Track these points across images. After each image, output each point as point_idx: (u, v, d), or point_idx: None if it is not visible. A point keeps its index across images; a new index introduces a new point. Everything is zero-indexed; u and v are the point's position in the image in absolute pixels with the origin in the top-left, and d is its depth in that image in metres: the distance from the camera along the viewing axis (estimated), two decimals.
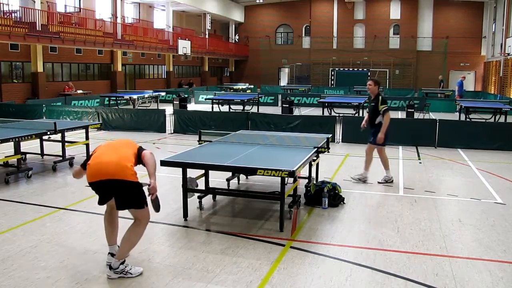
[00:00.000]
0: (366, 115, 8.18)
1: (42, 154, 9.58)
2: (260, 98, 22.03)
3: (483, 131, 11.81)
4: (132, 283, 4.13)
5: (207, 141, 7.21)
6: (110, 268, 4.21)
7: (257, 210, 6.34)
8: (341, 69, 39.70)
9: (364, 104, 17.83)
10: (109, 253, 4.38)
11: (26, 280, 4.15)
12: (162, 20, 33.30)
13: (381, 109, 7.57)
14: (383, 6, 39.54)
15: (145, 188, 4.23)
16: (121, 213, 4.42)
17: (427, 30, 39.13)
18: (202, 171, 6.44)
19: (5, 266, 4.42)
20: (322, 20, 40.85)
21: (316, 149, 6.61)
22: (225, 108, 20.11)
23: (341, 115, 14.30)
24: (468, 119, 15.79)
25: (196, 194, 6.27)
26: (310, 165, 6.86)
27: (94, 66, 26.60)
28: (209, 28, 37.29)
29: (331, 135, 8.02)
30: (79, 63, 25.32)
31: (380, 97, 7.69)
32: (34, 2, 20.57)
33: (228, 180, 7.22)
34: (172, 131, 13.94)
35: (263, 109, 19.96)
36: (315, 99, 22.79)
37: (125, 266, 4.22)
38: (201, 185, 6.34)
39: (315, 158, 6.80)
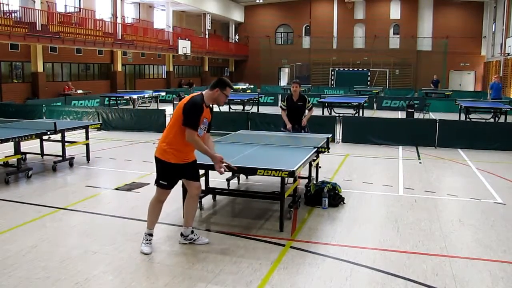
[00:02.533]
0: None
1: (42, 154, 9.58)
2: (260, 98, 22.04)
3: (483, 131, 11.81)
4: (132, 283, 4.13)
5: None
6: (181, 235, 5.02)
7: (257, 210, 6.34)
8: (341, 69, 39.72)
9: (365, 104, 17.85)
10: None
11: (26, 280, 4.15)
12: (162, 20, 33.30)
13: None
14: (383, 6, 39.55)
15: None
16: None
17: (427, 30, 39.14)
18: (202, 171, 6.44)
19: (5, 266, 4.42)
20: (322, 20, 40.87)
21: (316, 149, 6.61)
22: (225, 108, 20.11)
23: (341, 115, 14.29)
24: (468, 119, 15.80)
25: None
26: (310, 165, 6.86)
27: (94, 66, 26.61)
28: (209, 28, 37.30)
29: (331, 135, 8.03)
30: (79, 63, 25.33)
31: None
32: (34, 2, 20.58)
33: (228, 180, 7.22)
34: None
35: (263, 109, 19.96)
36: (315, 99, 22.80)
37: (194, 235, 4.99)
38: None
39: (315, 158, 6.80)
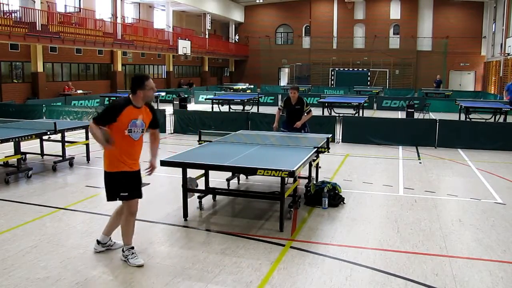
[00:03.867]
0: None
1: (42, 154, 9.58)
2: (260, 98, 22.04)
3: (483, 131, 11.80)
4: (132, 283, 4.13)
5: (207, 141, 7.21)
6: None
7: (257, 210, 6.34)
8: (341, 69, 39.70)
9: (364, 104, 17.83)
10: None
11: (26, 280, 4.15)
12: (162, 20, 33.29)
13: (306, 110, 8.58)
14: (383, 6, 39.53)
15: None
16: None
17: (427, 30, 39.12)
18: (202, 171, 6.44)
19: (5, 266, 4.42)
20: (322, 20, 40.84)
21: (316, 149, 6.61)
22: (225, 108, 20.11)
23: (341, 115, 14.29)
24: (468, 119, 15.80)
25: (196, 194, 6.27)
26: (310, 165, 6.86)
27: (94, 66, 26.60)
28: (209, 28, 37.29)
29: (331, 135, 8.04)
30: (79, 63, 25.32)
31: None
32: (34, 2, 20.58)
33: (228, 180, 7.22)
34: (172, 131, 13.94)
35: (263, 109, 19.95)
36: (315, 99, 22.81)
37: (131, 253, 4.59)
38: (201, 185, 6.34)
39: (315, 158, 6.80)
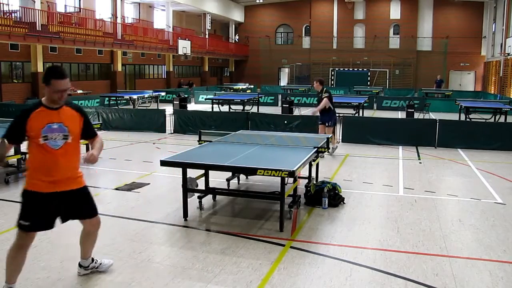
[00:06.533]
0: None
1: None
2: (260, 98, 22.03)
3: (483, 131, 11.80)
4: (132, 283, 4.13)
5: (207, 141, 7.21)
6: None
7: (257, 210, 6.34)
8: (341, 69, 39.70)
9: (365, 104, 17.83)
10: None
11: (26, 280, 4.14)
12: (162, 20, 33.30)
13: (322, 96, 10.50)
14: (383, 6, 39.54)
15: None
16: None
17: (427, 30, 39.13)
18: (202, 171, 6.44)
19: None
20: (322, 20, 40.85)
21: (316, 149, 6.61)
22: (225, 108, 20.11)
23: (341, 115, 14.29)
24: (468, 119, 15.80)
25: (196, 194, 6.26)
26: (310, 165, 6.86)
27: (94, 66, 26.61)
28: (209, 28, 37.30)
29: (331, 135, 8.03)
30: (79, 63, 25.33)
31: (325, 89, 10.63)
32: (34, 2, 20.58)
33: (228, 180, 7.21)
34: (172, 131, 13.94)
35: (263, 109, 19.96)
36: (315, 99, 22.77)
37: (95, 263, 4.23)
38: (201, 185, 6.34)
39: (315, 158, 6.80)
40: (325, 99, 10.35)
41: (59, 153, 3.59)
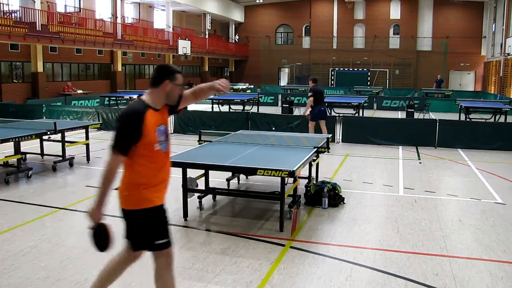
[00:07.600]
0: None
1: (42, 154, 9.58)
2: (260, 98, 22.04)
3: (483, 131, 11.80)
4: (132, 283, 4.13)
5: (207, 141, 7.21)
6: None
7: (257, 210, 6.34)
8: (341, 69, 39.68)
9: (364, 104, 17.83)
10: None
11: (26, 280, 4.15)
12: (162, 20, 33.29)
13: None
14: (383, 6, 39.52)
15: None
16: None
17: (427, 30, 39.11)
18: (202, 171, 6.44)
19: (5, 266, 4.42)
20: (322, 20, 40.83)
21: (316, 149, 6.61)
22: (225, 108, 20.11)
23: (341, 115, 14.30)
24: (468, 119, 15.79)
25: (196, 194, 6.27)
26: (310, 165, 6.86)
27: (94, 66, 26.60)
28: (209, 28, 37.29)
29: (331, 135, 8.03)
30: (79, 63, 25.32)
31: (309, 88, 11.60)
32: (34, 2, 20.57)
33: (228, 180, 7.22)
34: (172, 131, 13.93)
35: (263, 109, 19.96)
36: None
37: None
38: (201, 185, 6.34)
39: (315, 158, 6.80)
40: (310, 98, 11.26)
41: (167, 156, 3.31)
